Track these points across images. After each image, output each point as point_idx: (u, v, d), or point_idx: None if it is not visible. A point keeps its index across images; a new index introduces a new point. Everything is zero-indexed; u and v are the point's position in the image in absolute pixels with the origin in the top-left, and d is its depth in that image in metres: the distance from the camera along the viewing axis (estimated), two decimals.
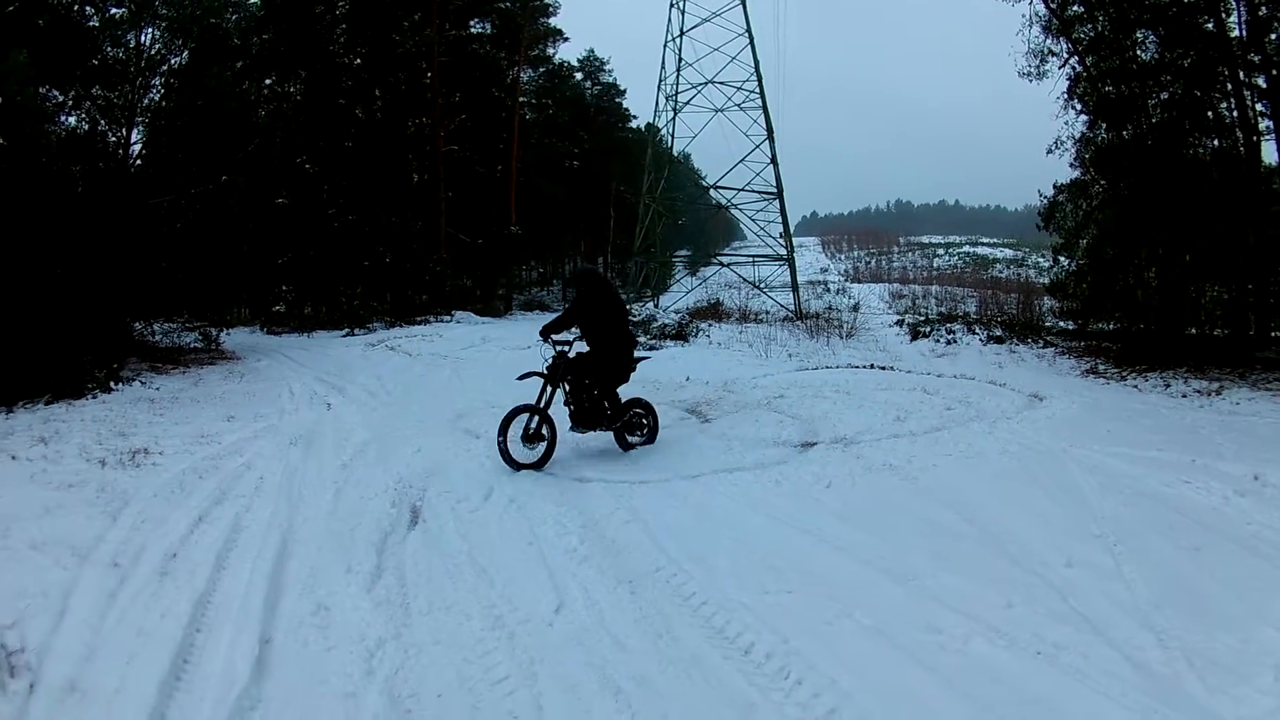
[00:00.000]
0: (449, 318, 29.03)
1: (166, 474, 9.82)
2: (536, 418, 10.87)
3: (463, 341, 23.06)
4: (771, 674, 5.44)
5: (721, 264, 38.52)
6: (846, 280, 54.11)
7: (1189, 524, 8.26)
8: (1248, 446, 11.40)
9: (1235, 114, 21.05)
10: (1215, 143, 21.48)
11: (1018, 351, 21.52)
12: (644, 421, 12.01)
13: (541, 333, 11.60)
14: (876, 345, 22.59)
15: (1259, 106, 20.62)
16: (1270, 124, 20.39)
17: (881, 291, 40.25)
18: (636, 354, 12.17)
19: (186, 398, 15.15)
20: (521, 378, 11.44)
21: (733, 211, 38.57)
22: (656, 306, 30.76)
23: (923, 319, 26.11)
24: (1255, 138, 20.74)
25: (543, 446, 10.80)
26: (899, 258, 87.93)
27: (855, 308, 30.86)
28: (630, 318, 13.52)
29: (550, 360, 11.43)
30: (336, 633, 6.03)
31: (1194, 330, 20.59)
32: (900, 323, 26.05)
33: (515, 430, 10.65)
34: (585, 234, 47.09)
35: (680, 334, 24.12)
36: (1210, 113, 21.30)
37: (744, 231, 50.83)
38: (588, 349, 11.71)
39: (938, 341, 22.81)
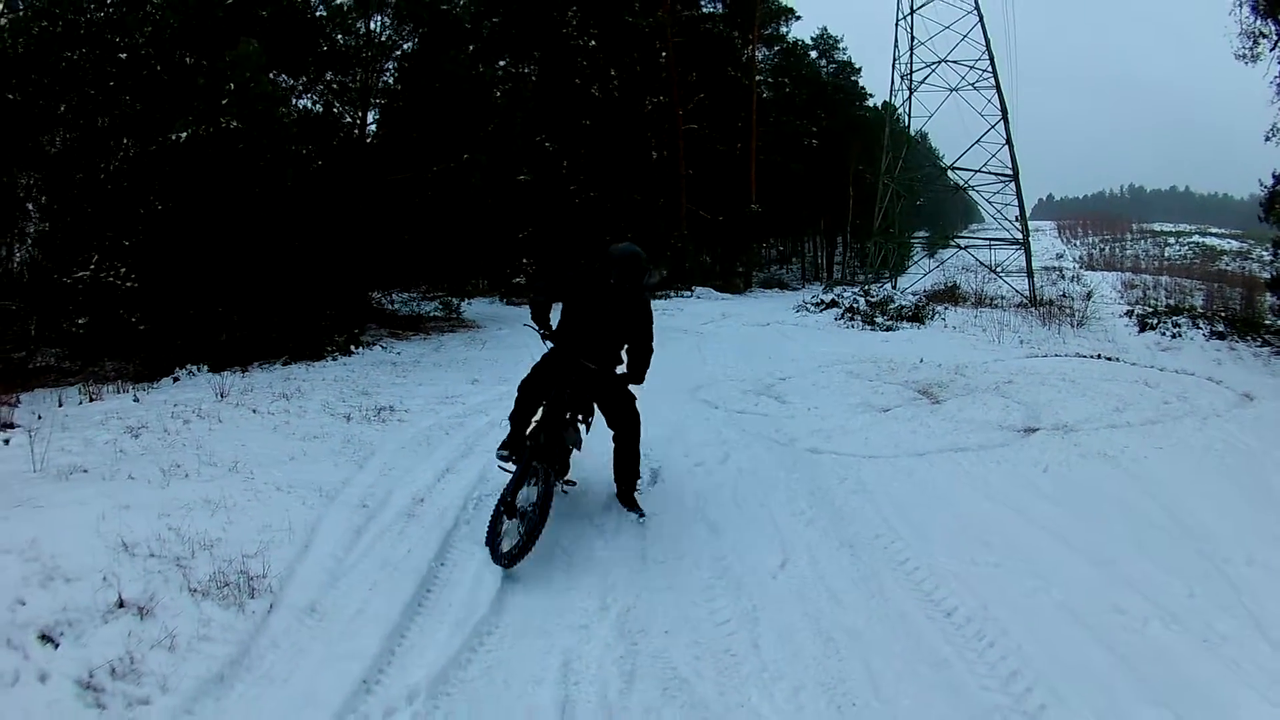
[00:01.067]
0: (689, 293, 29.66)
1: (412, 429, 10.47)
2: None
3: (704, 317, 23.46)
4: (969, 636, 5.94)
5: (959, 246, 38.02)
6: (1080, 267, 52.63)
7: None
8: None
9: None
10: None
11: (1237, 349, 20.76)
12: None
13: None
14: (1105, 335, 22.24)
15: None
16: None
17: (1114, 280, 39.10)
18: None
19: (428, 362, 15.85)
20: None
21: (970, 193, 38.18)
22: (894, 288, 30.54)
23: (1150, 311, 25.25)
24: None
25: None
26: (1131, 245, 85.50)
27: (1088, 296, 30.38)
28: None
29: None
30: (577, 573, 6.70)
31: None
32: (1130, 314, 25.18)
33: None
34: (824, 212, 46.98)
35: (916, 316, 24.10)
36: None
37: (981, 214, 49.99)
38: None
39: (1163, 335, 22.07)
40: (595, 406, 8.35)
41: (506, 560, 6.72)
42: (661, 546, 7.32)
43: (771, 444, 10.65)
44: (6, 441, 8.96)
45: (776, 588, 6.65)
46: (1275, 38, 22.13)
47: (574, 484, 8.38)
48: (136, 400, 11.63)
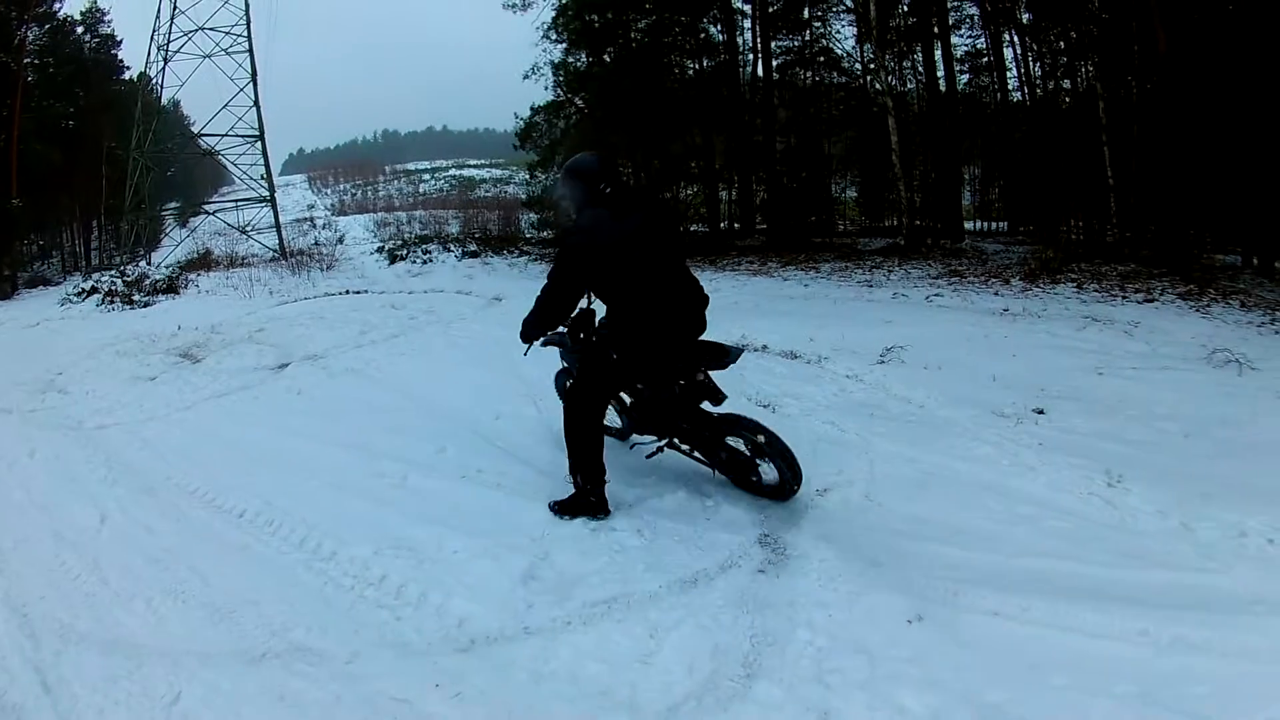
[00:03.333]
0: None
1: None
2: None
3: None
4: (260, 525, 7.78)
5: (207, 213, 38.98)
6: (333, 214, 55.38)
7: None
8: None
9: (724, 36, 24.13)
10: (701, 63, 24.44)
11: (491, 263, 23.60)
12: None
13: None
14: (356, 273, 24.55)
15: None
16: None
17: (366, 221, 41.90)
18: None
19: None
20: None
21: (219, 157, 39.35)
22: (150, 264, 31.19)
23: (400, 243, 28.24)
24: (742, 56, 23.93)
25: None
26: (384, 186, 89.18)
27: (340, 240, 33.07)
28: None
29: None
30: None
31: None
32: (380, 249, 28.01)
33: None
34: (79, 197, 45.80)
35: (171, 287, 25.11)
36: (698, 37, 24.22)
37: (231, 177, 50.94)
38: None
39: (414, 262, 24.90)
40: None
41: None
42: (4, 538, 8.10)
43: (66, 430, 11.65)
44: None
45: (102, 539, 7.93)
46: None
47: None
48: None
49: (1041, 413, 9.07)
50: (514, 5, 26.04)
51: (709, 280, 16.82)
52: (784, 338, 12.09)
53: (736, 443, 7.38)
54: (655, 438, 7.80)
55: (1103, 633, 5.22)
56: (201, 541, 7.52)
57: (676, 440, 7.69)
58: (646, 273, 6.79)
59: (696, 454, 7.68)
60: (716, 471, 7.61)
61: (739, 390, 9.48)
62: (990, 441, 8.22)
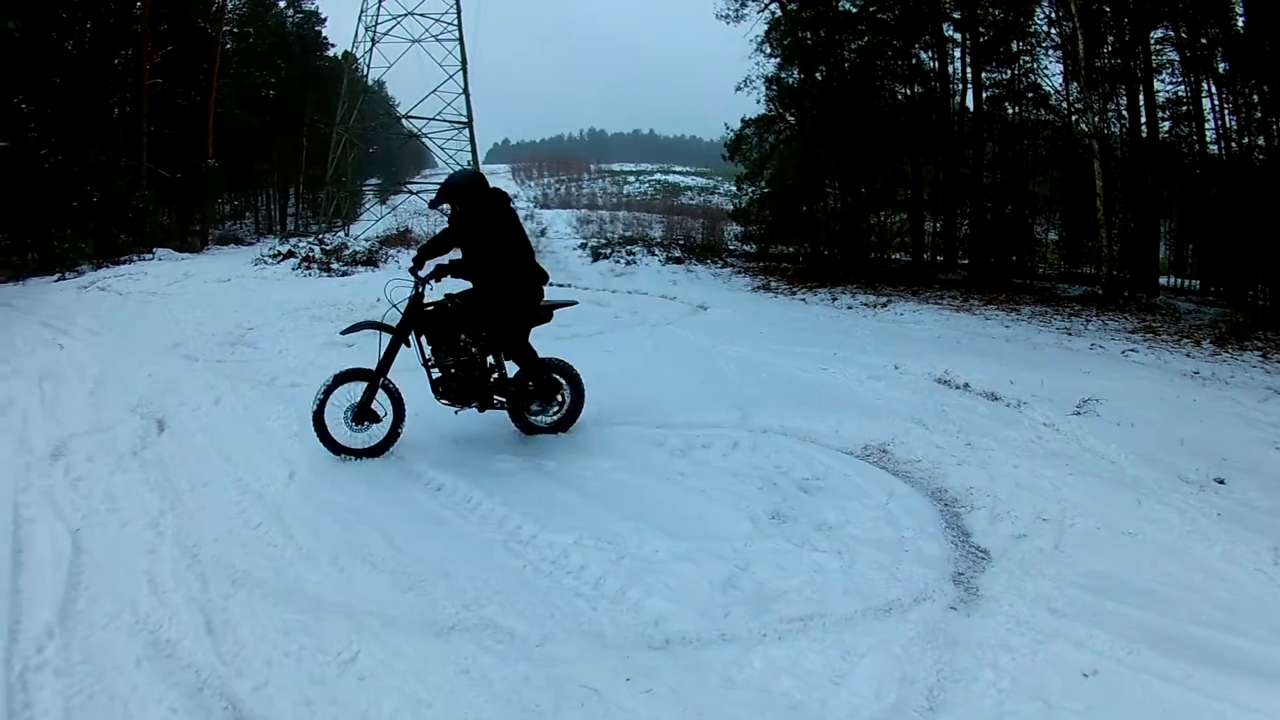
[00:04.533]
0: (150, 255, 28.86)
1: None
2: (372, 388, 9.00)
3: (167, 278, 23.26)
4: (457, 501, 7.94)
5: (410, 192, 39.84)
6: (536, 206, 54.80)
7: (808, 392, 11.11)
8: (896, 346, 13.86)
9: (936, 64, 23.76)
10: (912, 89, 24.14)
11: (695, 271, 23.06)
12: (559, 390, 9.65)
13: (414, 261, 9.24)
14: (559, 266, 23.63)
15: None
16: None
17: (569, 217, 41.54)
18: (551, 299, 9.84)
19: None
20: (348, 331, 9.57)
21: (424, 140, 40.27)
22: (347, 235, 31.75)
23: (604, 242, 27.64)
24: (953, 85, 23.55)
25: (381, 429, 9.02)
26: (589, 184, 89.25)
27: (542, 232, 32.44)
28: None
29: (405, 302, 9.11)
30: (125, 513, 7.67)
31: (876, 254, 23.12)
32: (584, 246, 27.49)
33: (341, 402, 8.99)
34: (278, 164, 46.85)
35: (371, 260, 25.35)
36: (909, 61, 23.92)
37: (435, 160, 51.36)
38: (471, 287, 9.34)
39: (617, 262, 24.44)
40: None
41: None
42: (188, 475, 8.56)
43: (256, 384, 11.98)
44: None
45: (289, 492, 8.16)
46: (766, 1, 24.67)
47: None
48: None
49: (1222, 482, 8.64)
50: (727, 16, 25.78)
51: (912, 311, 16.99)
52: (985, 377, 11.82)
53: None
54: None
55: (1258, 708, 5.08)
56: (395, 509, 7.72)
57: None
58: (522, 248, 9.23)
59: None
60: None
61: (941, 427, 9.90)
62: (1174, 505, 7.92)
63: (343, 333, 9.54)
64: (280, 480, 8.42)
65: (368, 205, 45.11)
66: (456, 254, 9.43)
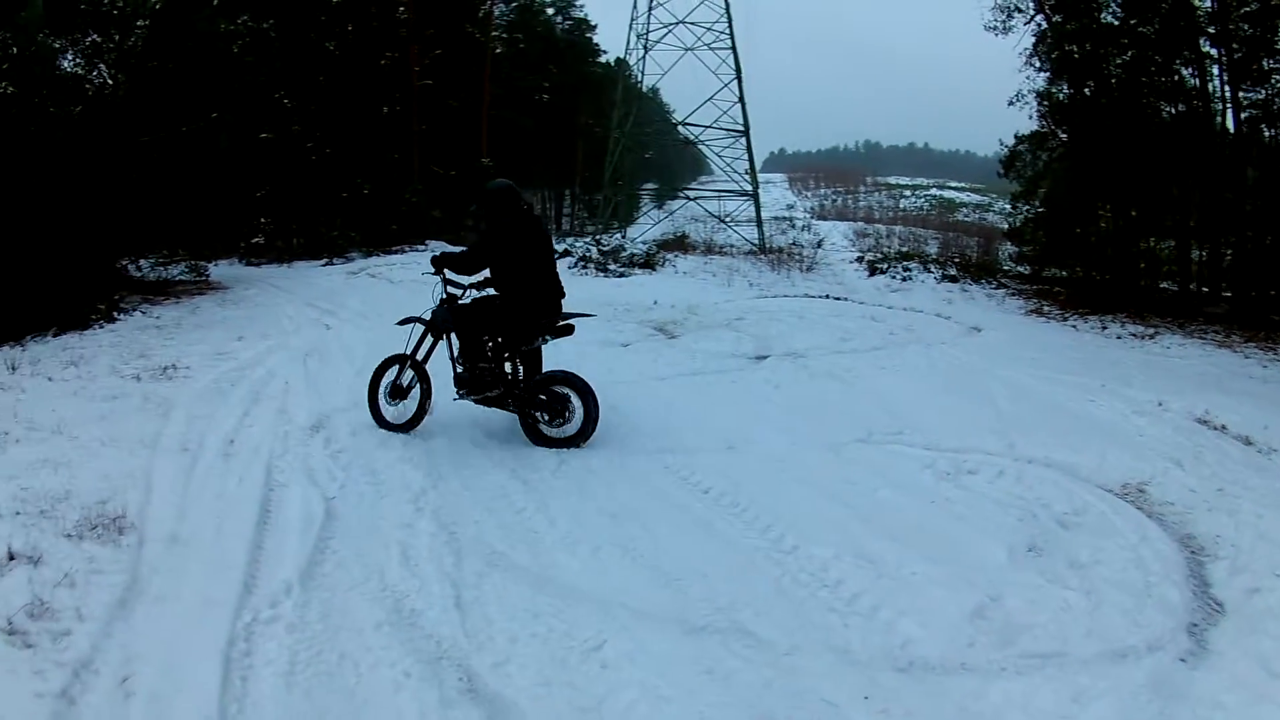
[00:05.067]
0: (423, 247, 29.45)
1: (199, 384, 11.17)
2: (407, 370, 9.72)
3: None
4: (725, 505, 7.66)
5: (688, 198, 39.65)
6: (812, 217, 54.61)
7: (1074, 423, 10.37)
8: (1161, 380, 12.91)
9: (1197, 81, 22.52)
10: (1174, 108, 22.93)
11: (969, 290, 22.32)
12: (567, 405, 9.33)
13: (434, 261, 9.75)
14: (835, 279, 23.66)
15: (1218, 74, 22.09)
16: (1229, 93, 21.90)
17: (845, 230, 41.03)
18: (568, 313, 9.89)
19: (190, 324, 16.15)
20: (402, 323, 10.06)
21: (700, 147, 39.87)
22: (624, 237, 31.71)
23: (880, 257, 26.78)
24: (1213, 105, 22.26)
25: (410, 405, 9.65)
26: (865, 197, 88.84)
27: (818, 244, 31.89)
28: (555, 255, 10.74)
29: (436, 305, 9.88)
30: (385, 486, 7.83)
31: (1145, 282, 22.07)
32: (860, 259, 26.75)
33: (387, 383, 9.79)
34: (553, 166, 47.76)
35: (648, 263, 25.17)
36: (1171, 78, 22.74)
37: (710, 166, 51.65)
38: (496, 294, 9.75)
39: (893, 278, 23.67)
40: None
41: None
42: (450, 460, 8.63)
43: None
44: None
45: (557, 482, 8.08)
46: (1031, 13, 23.90)
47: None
48: None
49: None
50: (995, 28, 24.89)
51: (1178, 345, 16.39)
52: (1241, 419, 10.91)
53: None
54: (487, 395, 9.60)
55: None
56: (661, 507, 7.62)
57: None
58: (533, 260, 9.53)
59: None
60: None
61: (1196, 470, 9.19)
62: None
63: (398, 323, 10.13)
64: (548, 469, 8.45)
65: (644, 209, 45.43)
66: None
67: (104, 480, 7.54)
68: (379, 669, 5.08)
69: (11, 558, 5.98)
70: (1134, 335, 17.04)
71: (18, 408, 9.97)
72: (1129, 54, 22.54)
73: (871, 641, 5.66)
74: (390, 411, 9.66)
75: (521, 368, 9.68)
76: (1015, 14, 24.01)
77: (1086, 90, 23.10)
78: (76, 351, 13.45)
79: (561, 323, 9.70)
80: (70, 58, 19.65)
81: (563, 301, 9.83)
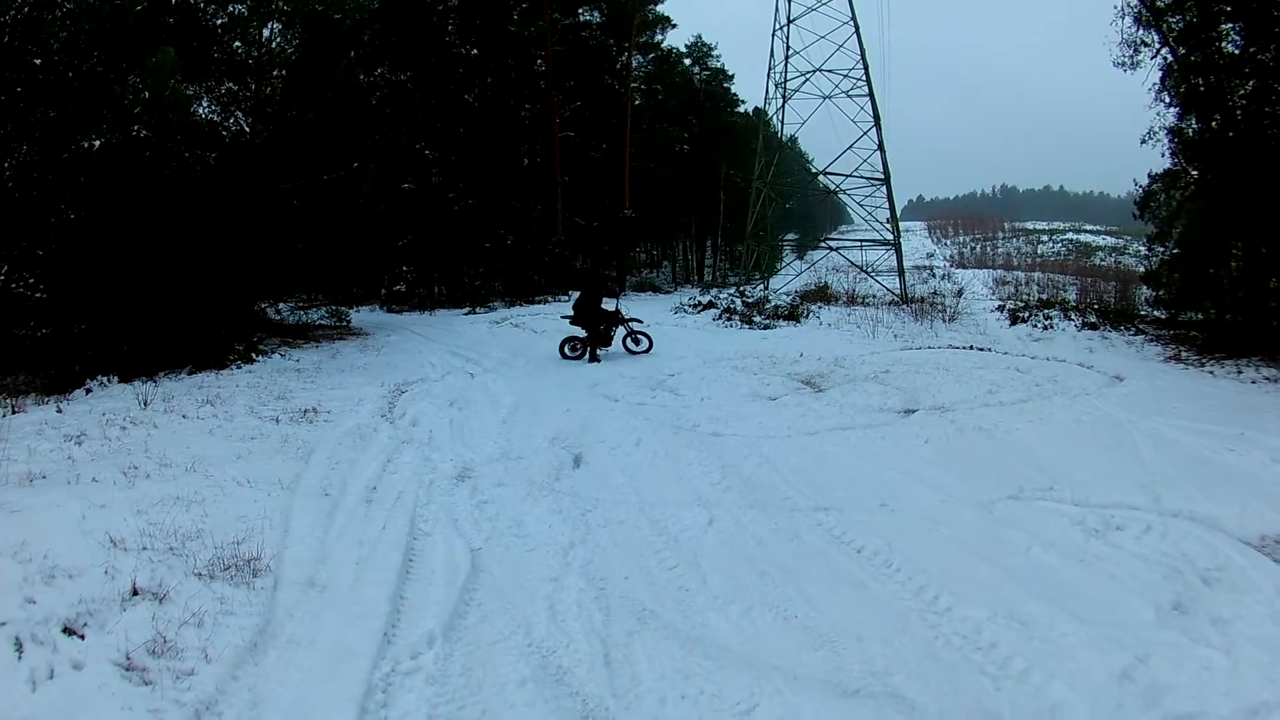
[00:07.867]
0: (566, 297, 29.65)
1: (340, 428, 11.28)
2: (579, 343, 18.89)
3: None
4: (878, 565, 7.49)
5: (830, 248, 38.96)
6: (951, 265, 54.49)
7: (1215, 474, 10.03)
8: None
9: None
10: None
11: (1109, 338, 22.00)
12: (644, 338, 19.64)
13: (574, 308, 18.95)
14: (977, 329, 23.52)
15: None
16: None
17: (985, 277, 40.73)
18: (607, 304, 19.36)
19: (330, 368, 16.46)
20: (567, 317, 19.15)
21: (840, 196, 39.46)
22: (766, 289, 31.44)
23: (1021, 305, 26.57)
24: None
25: (576, 355, 18.82)
26: (1003, 244, 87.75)
27: (959, 293, 31.55)
28: (611, 295, 20.13)
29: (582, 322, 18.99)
30: (532, 539, 7.72)
31: (1277, 322, 21.28)
32: (1001, 308, 26.46)
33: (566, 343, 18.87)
34: (694, 216, 47.78)
35: (792, 315, 25.02)
36: None
37: (851, 216, 51.23)
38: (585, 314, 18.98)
39: (1035, 326, 23.48)
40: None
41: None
42: (601, 513, 8.46)
43: (677, 430, 11.84)
44: None
45: (708, 538, 7.90)
46: (1157, 46, 23.41)
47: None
48: (59, 411, 12.02)
49: None
50: (1123, 64, 24.38)
51: None
52: None
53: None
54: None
55: None
56: (815, 567, 7.50)
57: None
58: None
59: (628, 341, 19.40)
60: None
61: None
62: None
63: (565, 317, 19.58)
64: (699, 526, 8.31)
65: (786, 260, 45.25)
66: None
67: (239, 520, 7.65)
68: None
69: (135, 593, 6.08)
70: (1268, 379, 16.70)
71: (149, 443, 10.17)
72: (1250, 84, 21.87)
73: (1022, 705, 5.64)
74: (569, 356, 18.71)
75: (621, 328, 19.52)
76: (1142, 48, 23.39)
77: (1214, 124, 22.44)
78: (212, 390, 13.76)
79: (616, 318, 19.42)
80: (206, 104, 20.15)
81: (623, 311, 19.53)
